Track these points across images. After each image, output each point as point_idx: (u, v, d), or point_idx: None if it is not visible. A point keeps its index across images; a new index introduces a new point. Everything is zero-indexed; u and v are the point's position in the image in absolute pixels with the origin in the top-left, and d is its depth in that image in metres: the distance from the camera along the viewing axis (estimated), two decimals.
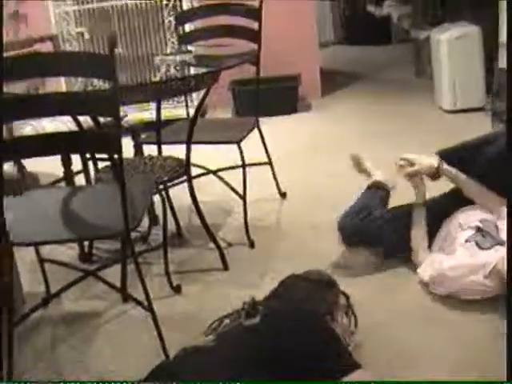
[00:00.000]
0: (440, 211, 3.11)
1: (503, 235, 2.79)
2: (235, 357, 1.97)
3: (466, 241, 2.86)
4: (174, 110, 5.56)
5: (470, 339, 2.54)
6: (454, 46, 5.62)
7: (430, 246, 3.04)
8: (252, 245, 3.49)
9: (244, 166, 3.58)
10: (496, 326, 2.58)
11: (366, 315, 2.59)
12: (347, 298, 2.48)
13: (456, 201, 3.10)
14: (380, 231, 3.15)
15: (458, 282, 2.72)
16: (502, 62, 4.61)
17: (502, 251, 2.68)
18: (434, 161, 3.09)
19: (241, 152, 3.55)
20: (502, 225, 2.85)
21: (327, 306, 2.35)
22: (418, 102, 6.27)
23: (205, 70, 3.08)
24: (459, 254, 2.81)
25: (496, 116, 4.65)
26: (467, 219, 2.98)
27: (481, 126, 4.83)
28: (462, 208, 3.06)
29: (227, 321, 2.24)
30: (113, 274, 3.00)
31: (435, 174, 3.11)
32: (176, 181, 3.25)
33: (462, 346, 2.51)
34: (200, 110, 3.13)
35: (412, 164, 3.15)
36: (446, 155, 3.14)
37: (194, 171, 3.49)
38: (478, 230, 2.87)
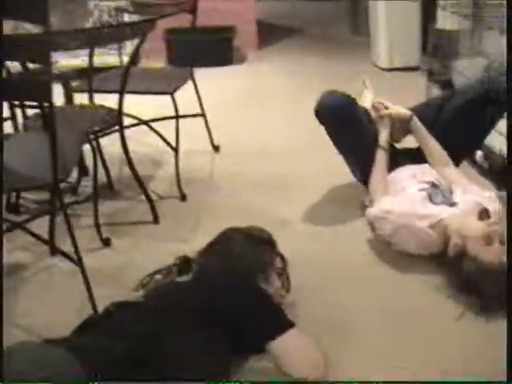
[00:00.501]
0: (399, 161, 3.15)
1: (456, 197, 2.84)
2: (164, 313, 1.94)
3: (420, 190, 2.87)
4: (106, 57, 5.41)
5: (409, 301, 2.57)
6: (392, 4, 5.62)
7: None
8: (184, 198, 3.44)
9: (177, 117, 3.53)
10: (435, 285, 2.63)
11: (304, 275, 2.60)
12: (283, 260, 2.45)
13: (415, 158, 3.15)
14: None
15: (403, 220, 2.71)
16: (439, 23, 4.62)
17: (451, 211, 2.73)
18: (407, 111, 3.16)
19: (174, 103, 3.48)
20: (457, 189, 2.91)
21: (262, 265, 2.32)
22: (355, 59, 6.25)
23: (140, 18, 2.98)
24: (411, 196, 2.82)
25: (431, 76, 4.67)
26: (423, 174, 3.01)
27: (416, 85, 4.86)
28: (419, 165, 3.10)
29: (159, 276, 2.20)
30: (40, 225, 2.91)
31: (403, 129, 3.17)
32: (107, 130, 3.17)
33: (402, 307, 2.52)
34: (135, 58, 3.05)
35: (387, 107, 3.19)
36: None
37: (127, 121, 3.39)
38: (433, 185, 2.90)
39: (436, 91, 4.49)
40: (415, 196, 2.83)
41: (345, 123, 3.14)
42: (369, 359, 2.23)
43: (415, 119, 3.12)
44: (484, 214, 2.59)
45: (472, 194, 2.89)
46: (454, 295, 2.54)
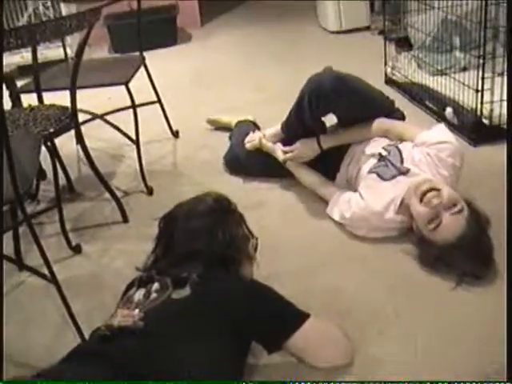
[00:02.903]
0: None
1: (406, 160, 2.73)
2: (171, 339, 1.73)
3: (369, 172, 2.79)
4: (46, 51, 5.18)
5: (393, 271, 2.48)
6: None
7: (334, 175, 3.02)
8: (150, 192, 3.28)
9: (134, 106, 3.33)
10: (409, 251, 2.55)
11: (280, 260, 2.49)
12: (247, 225, 2.22)
13: None
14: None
15: (371, 223, 2.67)
16: None
17: (404, 182, 2.64)
18: (314, 148, 3.01)
19: (129, 92, 3.29)
20: (404, 147, 2.80)
21: (243, 244, 2.13)
22: (303, 24, 6.13)
23: (80, 7, 2.76)
24: (365, 194, 2.73)
25: (383, 34, 4.55)
26: (371, 147, 2.91)
27: (369, 44, 4.75)
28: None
29: (154, 295, 1.92)
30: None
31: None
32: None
33: (397, 280, 2.43)
34: (83, 51, 2.83)
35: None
36: (288, 131, 3.11)
37: (80, 117, 3.19)
38: (381, 158, 2.81)
39: (393, 49, 4.41)
40: (367, 186, 2.75)
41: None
42: (384, 337, 2.11)
43: (323, 145, 2.98)
44: (424, 195, 2.45)
45: (421, 144, 2.74)
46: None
